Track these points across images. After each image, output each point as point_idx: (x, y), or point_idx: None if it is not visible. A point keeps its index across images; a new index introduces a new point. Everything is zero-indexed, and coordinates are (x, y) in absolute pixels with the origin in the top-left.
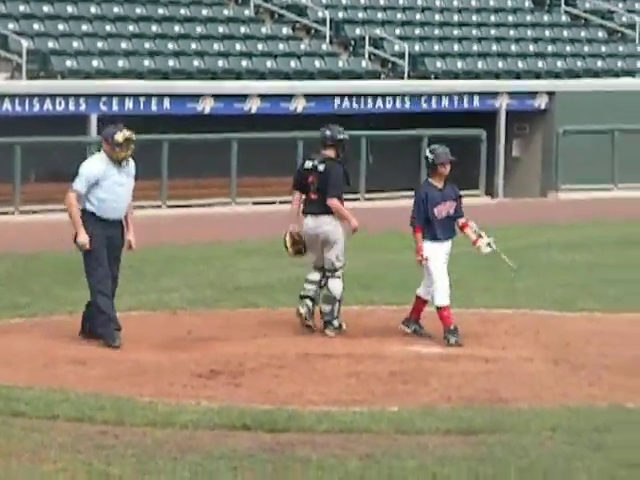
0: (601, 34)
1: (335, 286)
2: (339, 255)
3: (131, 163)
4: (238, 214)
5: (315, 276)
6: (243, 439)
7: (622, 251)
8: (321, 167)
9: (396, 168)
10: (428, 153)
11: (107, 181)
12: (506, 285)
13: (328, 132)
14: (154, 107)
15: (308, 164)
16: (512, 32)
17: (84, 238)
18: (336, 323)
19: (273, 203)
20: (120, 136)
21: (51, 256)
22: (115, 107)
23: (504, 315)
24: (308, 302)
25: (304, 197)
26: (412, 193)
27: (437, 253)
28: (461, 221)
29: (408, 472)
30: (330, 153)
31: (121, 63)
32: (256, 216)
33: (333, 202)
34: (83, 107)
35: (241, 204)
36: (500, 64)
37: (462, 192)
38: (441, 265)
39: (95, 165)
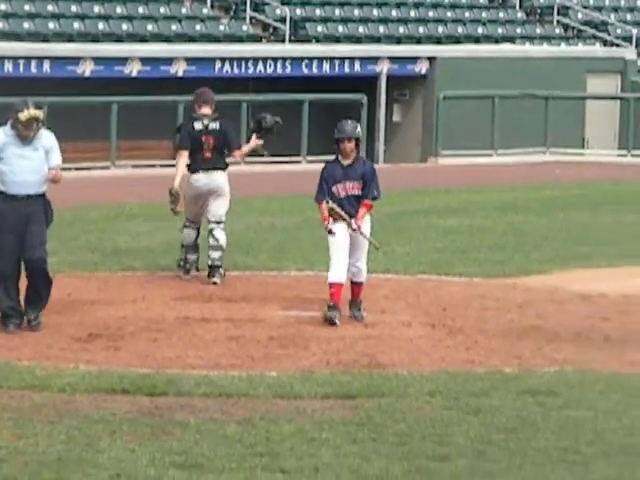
0: (482, 0)
1: (222, 236)
2: (227, 208)
3: (44, 136)
4: (118, 177)
5: (208, 241)
6: (122, 403)
7: (502, 216)
8: (214, 125)
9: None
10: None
11: (6, 152)
12: (385, 249)
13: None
14: (34, 70)
15: (198, 125)
16: None
17: None
18: (222, 270)
19: (153, 166)
20: (23, 115)
21: None
22: None
23: (383, 280)
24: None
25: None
26: (291, 158)
27: (337, 230)
28: (364, 200)
29: (286, 436)
30: (209, 110)
31: (0, 25)
32: (136, 179)
33: (240, 152)
34: None
35: (121, 167)
36: (381, 29)
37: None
38: (339, 242)
39: None
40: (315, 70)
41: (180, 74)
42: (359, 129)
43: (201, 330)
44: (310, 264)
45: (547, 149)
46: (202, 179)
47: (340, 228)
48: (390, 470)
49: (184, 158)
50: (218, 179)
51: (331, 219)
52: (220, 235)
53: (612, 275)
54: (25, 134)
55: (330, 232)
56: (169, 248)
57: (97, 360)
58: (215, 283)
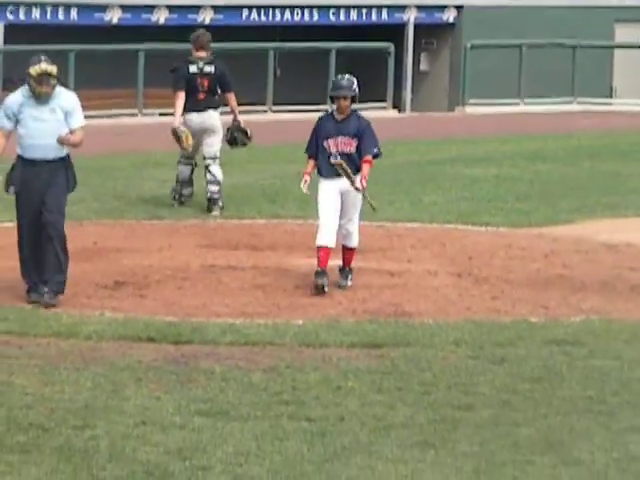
0: None
1: (218, 171)
2: (220, 145)
3: (63, 97)
4: (144, 125)
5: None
6: (147, 350)
7: (529, 165)
8: (209, 68)
9: (304, 81)
10: None
11: (23, 114)
12: (412, 198)
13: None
14: (61, 17)
15: (193, 68)
16: None
17: None
18: (221, 203)
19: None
20: (34, 70)
21: None
22: (22, 16)
23: (410, 229)
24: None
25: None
26: (319, 107)
27: (323, 190)
28: (365, 157)
29: (312, 385)
30: (204, 54)
31: None
32: (162, 127)
33: (233, 95)
34: None
35: (148, 115)
36: None
37: (370, 105)
38: (325, 203)
39: (11, 97)
40: (342, 18)
41: (207, 22)
42: (355, 85)
43: (227, 278)
44: None
45: (575, 98)
46: (195, 119)
47: (331, 187)
48: (415, 419)
49: (181, 99)
50: (211, 117)
51: (308, 177)
52: (216, 170)
53: (639, 225)
54: (38, 90)
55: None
56: (195, 197)
57: (123, 308)
58: (215, 216)
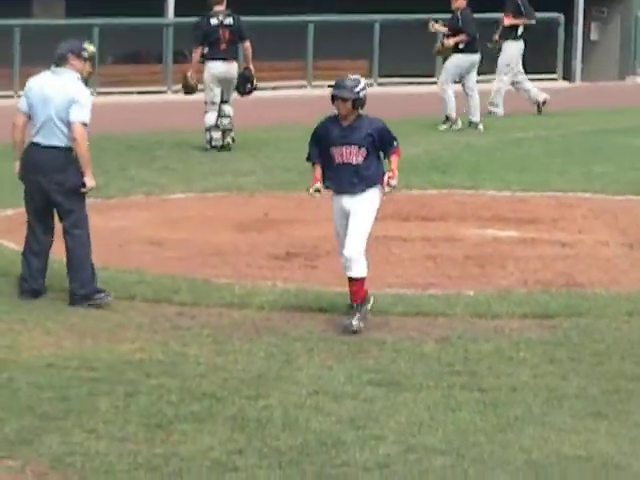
0: None
1: (229, 108)
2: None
3: None
4: (314, 97)
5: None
6: (319, 321)
7: None
8: (229, 20)
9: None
10: None
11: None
12: (582, 169)
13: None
14: None
15: (214, 20)
16: None
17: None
18: (233, 134)
19: None
20: (92, 46)
21: (126, 137)
22: None
23: (581, 199)
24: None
25: (206, 49)
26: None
27: (334, 209)
28: (392, 150)
29: (484, 355)
30: (222, 7)
31: None
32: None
33: (249, 43)
34: None
35: (317, 87)
36: None
37: (540, 76)
38: (337, 227)
39: (87, 90)
40: None
41: None
42: (361, 87)
43: (398, 249)
44: (507, 183)
45: None
46: (220, 67)
47: (341, 208)
48: (588, 390)
49: (197, 54)
50: (234, 68)
51: (319, 184)
52: (227, 108)
53: None
54: (91, 72)
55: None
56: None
57: (294, 278)
58: (228, 143)
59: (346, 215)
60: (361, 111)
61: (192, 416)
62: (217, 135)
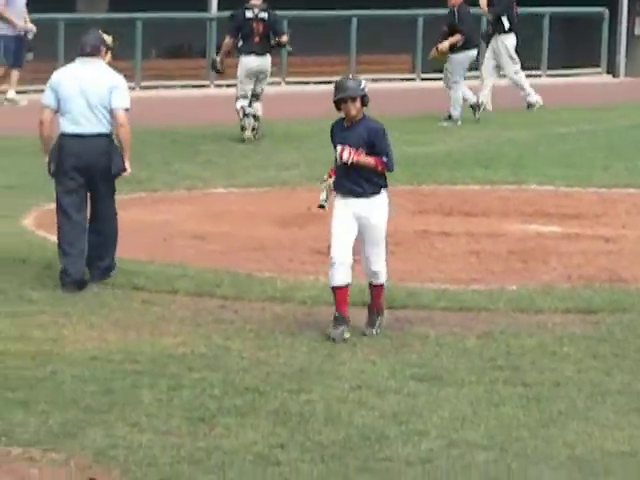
0: None
1: (259, 105)
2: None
3: None
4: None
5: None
6: (361, 315)
7: None
8: (264, 15)
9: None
10: None
11: None
12: (626, 163)
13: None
14: None
15: (249, 14)
16: None
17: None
18: (258, 131)
19: (392, 80)
20: (108, 37)
21: (170, 131)
22: None
23: (625, 194)
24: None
25: (240, 42)
26: (530, 72)
27: (337, 212)
28: (378, 158)
29: (527, 350)
30: (259, 1)
31: None
32: (375, 93)
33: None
34: None
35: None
36: None
37: (584, 70)
38: (338, 230)
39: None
40: None
41: None
42: (363, 85)
43: (440, 244)
44: (550, 179)
45: None
46: (253, 61)
47: (345, 210)
48: (632, 385)
49: (228, 44)
50: (267, 62)
51: (330, 179)
52: (257, 105)
53: None
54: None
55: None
56: (406, 163)
57: None
58: (249, 137)
59: (354, 217)
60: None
61: (235, 410)
62: (249, 122)
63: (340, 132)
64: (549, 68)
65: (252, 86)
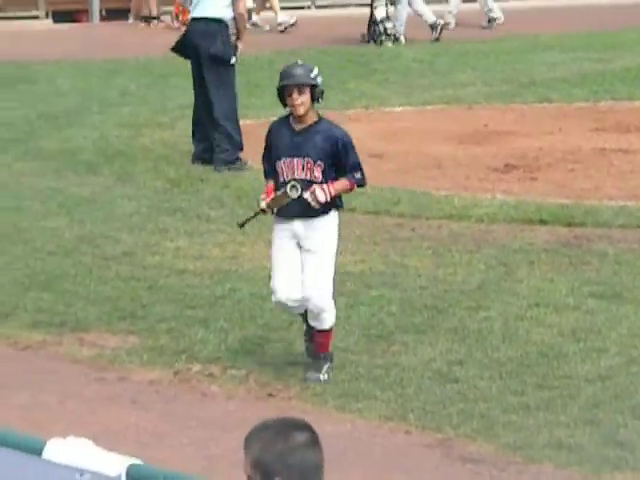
0: None
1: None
2: None
3: None
4: (533, 9)
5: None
6: (539, 233)
7: None
8: None
9: None
10: None
11: None
12: None
13: None
14: None
15: None
16: None
17: None
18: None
19: None
20: None
21: (346, 50)
22: None
23: None
24: None
25: None
26: None
27: (276, 231)
28: (348, 179)
29: None
30: None
31: None
32: (553, 11)
33: None
34: None
35: None
36: None
37: None
38: (278, 252)
39: None
40: None
41: None
42: (316, 73)
43: (618, 161)
44: None
45: None
46: None
47: (286, 235)
48: None
49: None
50: None
51: (265, 196)
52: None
53: None
54: None
55: (262, 211)
56: (583, 80)
57: (514, 190)
58: (381, 41)
59: (297, 244)
60: (320, 112)
61: (413, 327)
62: (390, 25)
63: (288, 138)
64: None
65: None
